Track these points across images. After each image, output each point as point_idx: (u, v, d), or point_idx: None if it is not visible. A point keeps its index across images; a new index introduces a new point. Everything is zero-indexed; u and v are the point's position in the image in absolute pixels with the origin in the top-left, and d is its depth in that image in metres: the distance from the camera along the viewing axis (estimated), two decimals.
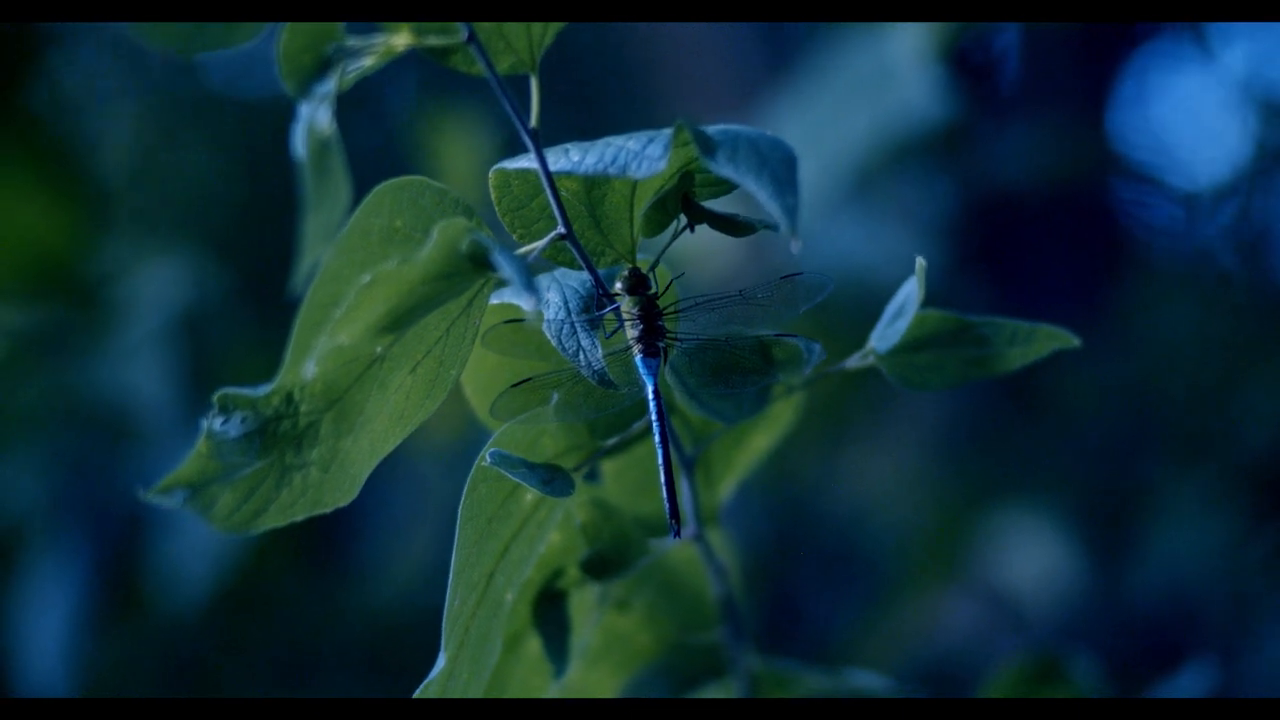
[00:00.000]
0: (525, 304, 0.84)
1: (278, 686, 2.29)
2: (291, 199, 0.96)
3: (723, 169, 0.88)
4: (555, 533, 1.12)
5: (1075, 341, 1.08)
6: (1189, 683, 1.66)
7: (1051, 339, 1.09)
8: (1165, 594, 2.46)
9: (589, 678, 1.25)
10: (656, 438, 0.98)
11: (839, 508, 2.55)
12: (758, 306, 0.99)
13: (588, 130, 1.05)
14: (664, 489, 0.98)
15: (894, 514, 2.52)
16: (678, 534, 0.98)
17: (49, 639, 2.07)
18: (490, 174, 0.96)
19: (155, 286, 2.11)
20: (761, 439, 1.21)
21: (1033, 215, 2.61)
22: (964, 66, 2.57)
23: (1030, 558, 2.44)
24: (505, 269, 0.85)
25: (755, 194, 0.87)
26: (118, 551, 2.13)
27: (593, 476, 1.17)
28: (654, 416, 0.98)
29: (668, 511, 0.98)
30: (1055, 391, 2.57)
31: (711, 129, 0.91)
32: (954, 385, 1.10)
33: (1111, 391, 2.54)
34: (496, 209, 0.97)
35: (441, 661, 0.95)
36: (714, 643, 1.31)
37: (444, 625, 0.95)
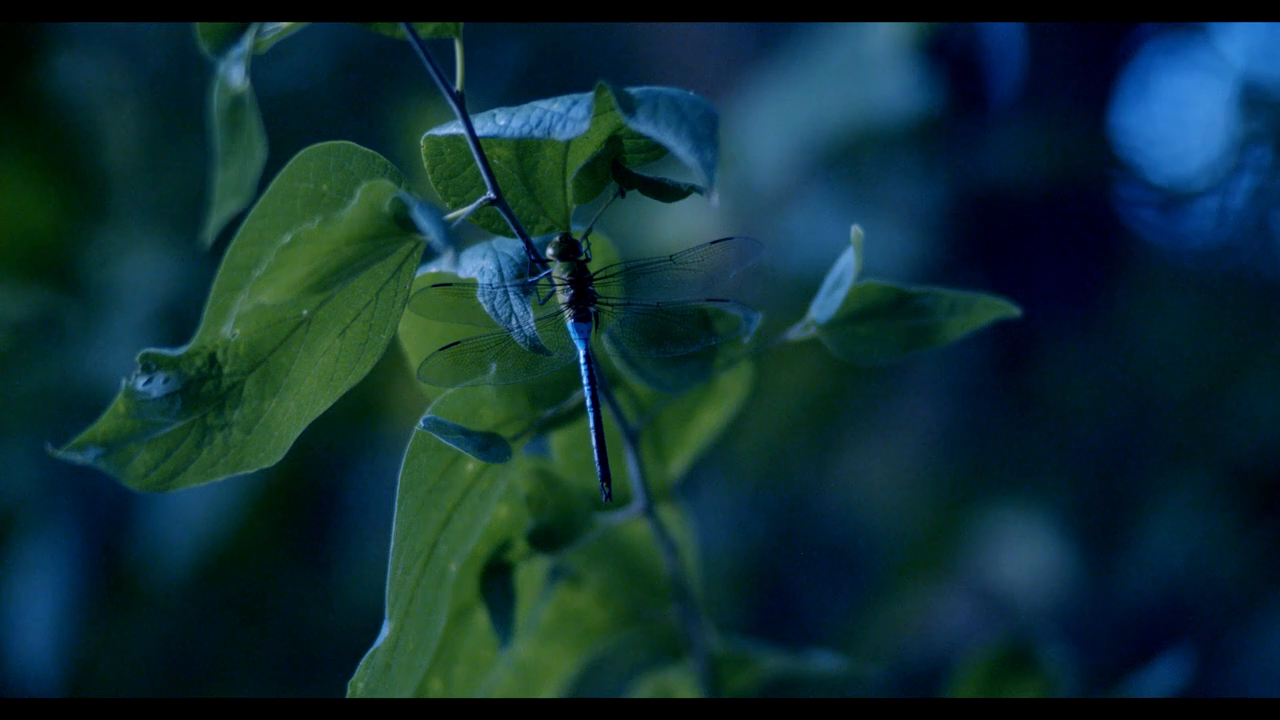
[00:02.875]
0: (445, 262, 0.85)
1: (269, 677, 2.30)
2: None
3: (643, 127, 0.88)
4: (502, 505, 1.13)
5: (1015, 311, 1.09)
6: (1165, 675, 1.65)
7: (990, 309, 1.09)
8: (1159, 592, 2.46)
9: (542, 653, 1.26)
10: (587, 400, 0.99)
11: (835, 505, 2.55)
12: (689, 271, 1.00)
13: None
14: (595, 451, 0.99)
15: (890, 511, 2.52)
16: (608, 496, 0.98)
17: (39, 624, 2.08)
18: (422, 141, 0.97)
19: (146, 276, 2.13)
20: (711, 414, 1.21)
21: (1031, 213, 2.61)
22: (958, 61, 2.58)
23: (1025, 555, 2.44)
24: (423, 224, 0.85)
25: (674, 150, 0.87)
26: (107, 535, 2.14)
27: (541, 449, 1.17)
28: (585, 380, 0.99)
29: (599, 475, 0.99)
30: (1051, 390, 2.57)
31: (634, 89, 0.91)
32: (897, 357, 1.10)
33: (1107, 390, 2.54)
34: (430, 177, 0.98)
35: (386, 630, 0.95)
36: (671, 622, 1.31)
37: (387, 594, 0.96)
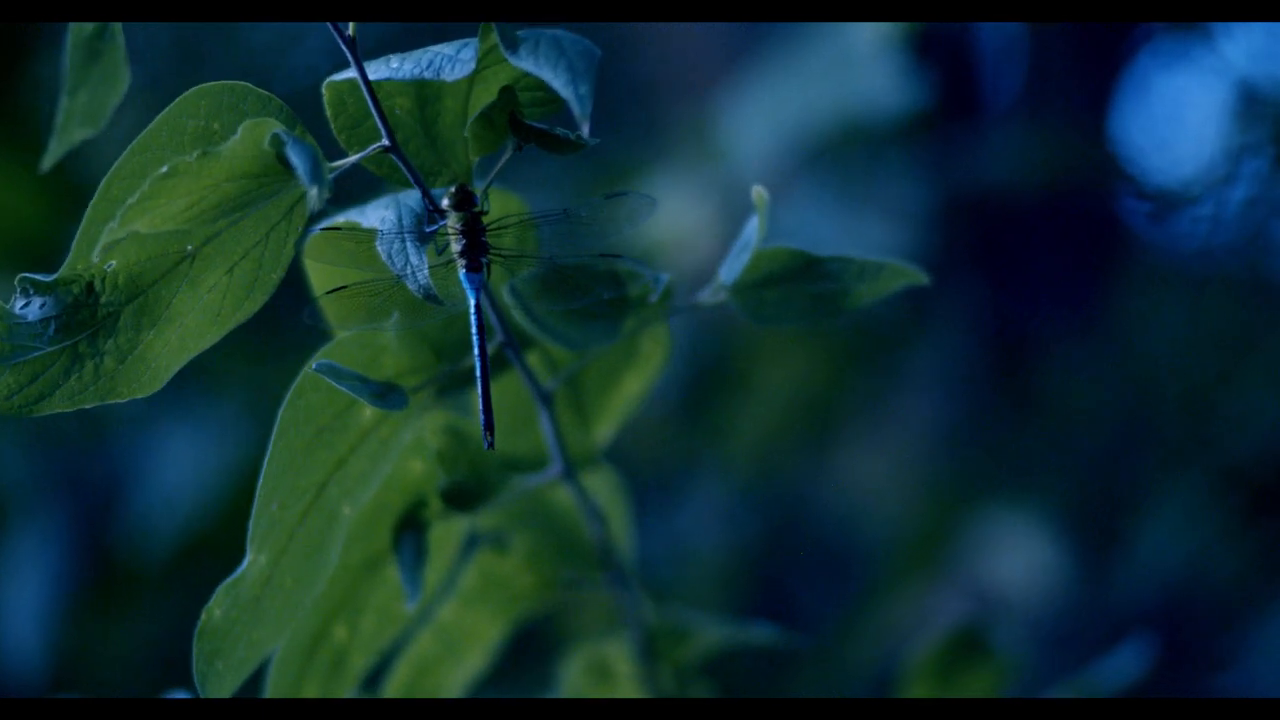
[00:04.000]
0: (312, 201, 0.86)
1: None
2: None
3: (524, 63, 0.91)
4: (417, 461, 1.14)
5: (923, 279, 1.09)
6: (1124, 663, 1.64)
7: (898, 275, 1.09)
8: (1155, 593, 2.45)
9: (466, 618, 1.26)
10: (475, 349, 1.00)
11: (830, 502, 2.55)
12: (583, 225, 1.01)
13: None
14: (480, 399, 1.00)
15: (885, 509, 2.51)
16: (490, 445, 1.00)
17: (26, 615, 2.10)
18: (324, 89, 0.98)
19: None
20: (634, 381, 1.22)
21: (1028, 214, 2.61)
22: (954, 61, 2.58)
23: (1021, 555, 2.44)
24: (294, 160, 0.87)
25: (552, 84, 0.90)
26: (93, 524, 2.16)
27: (459, 409, 1.18)
28: (474, 329, 1.00)
29: (482, 423, 1.00)
30: (1048, 390, 2.56)
31: (521, 31, 0.93)
32: (807, 321, 1.11)
33: (1104, 391, 2.53)
34: (332, 127, 0.99)
35: (247, 561, 0.96)
36: (604, 591, 1.32)
37: (252, 526, 0.97)
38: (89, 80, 0.86)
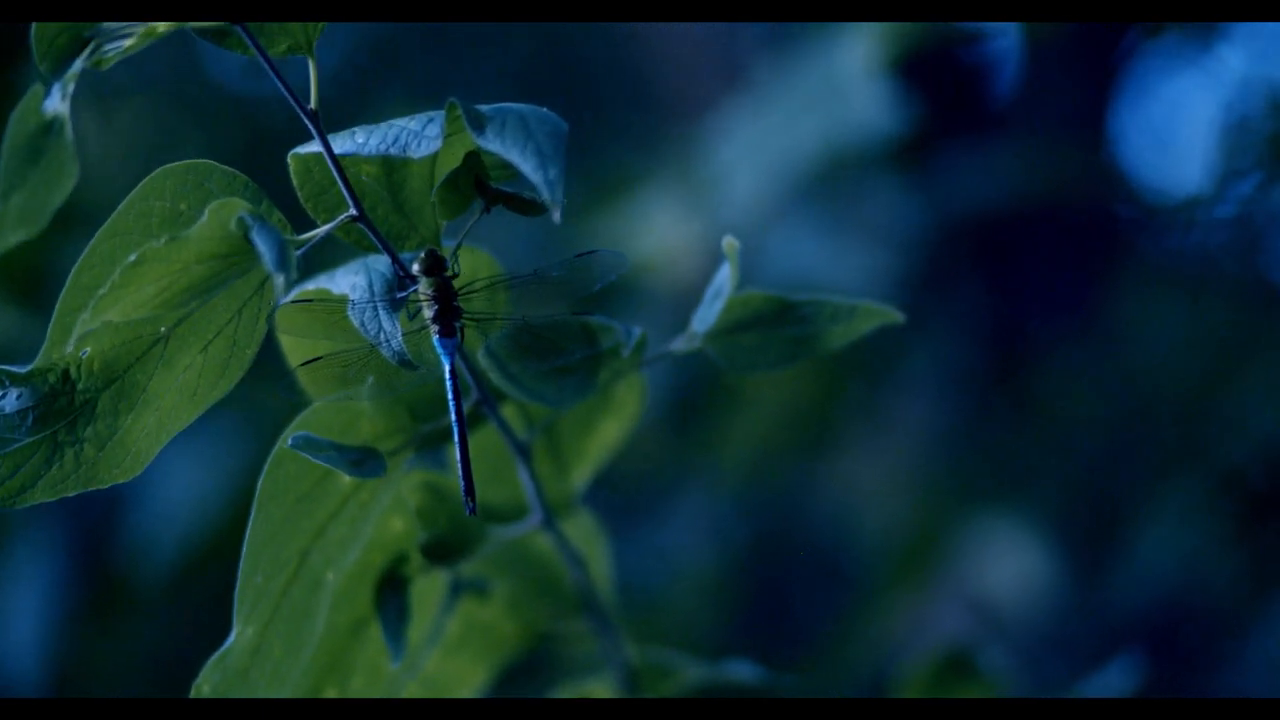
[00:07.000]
0: (279, 287, 0.86)
1: None
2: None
3: (491, 144, 0.90)
4: (397, 519, 1.14)
5: (899, 318, 1.09)
6: (1114, 679, 1.65)
7: (872, 315, 1.09)
8: (1151, 599, 2.46)
9: (449, 666, 1.26)
10: (451, 415, 1.00)
11: (822, 512, 2.56)
12: (554, 285, 1.01)
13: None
14: (459, 466, 1.00)
15: (879, 518, 2.52)
16: (473, 511, 1.00)
17: (24, 627, 2.10)
18: (289, 159, 0.98)
19: None
20: (611, 427, 1.22)
21: (1026, 222, 2.61)
22: (947, 77, 2.58)
23: (1016, 562, 2.44)
24: (260, 246, 0.87)
25: (520, 167, 0.89)
26: (92, 536, 2.16)
27: (437, 463, 1.18)
28: (450, 395, 1.00)
29: (462, 489, 1.00)
30: (1044, 397, 2.57)
31: (485, 107, 0.93)
32: (782, 365, 1.11)
33: (1100, 397, 2.54)
34: (299, 195, 0.99)
35: (234, 634, 0.97)
36: (585, 633, 1.32)
37: (238, 599, 0.97)
38: (27, 182, 0.86)
